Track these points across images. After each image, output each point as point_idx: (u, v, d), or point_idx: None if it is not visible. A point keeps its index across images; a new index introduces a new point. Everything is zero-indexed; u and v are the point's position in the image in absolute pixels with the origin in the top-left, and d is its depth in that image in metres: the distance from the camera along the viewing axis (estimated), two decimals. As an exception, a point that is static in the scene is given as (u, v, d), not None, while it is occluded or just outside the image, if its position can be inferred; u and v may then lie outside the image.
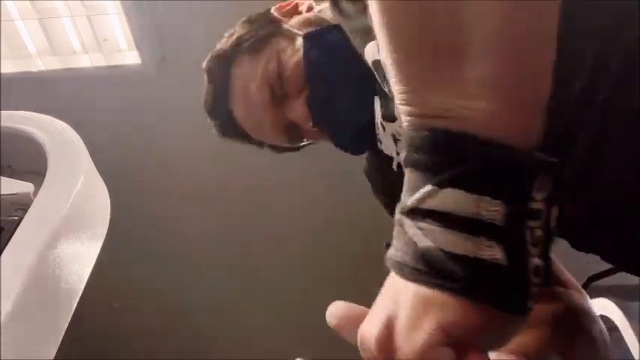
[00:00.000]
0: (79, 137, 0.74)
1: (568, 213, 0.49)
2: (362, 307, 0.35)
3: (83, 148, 0.73)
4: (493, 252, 0.28)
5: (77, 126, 0.76)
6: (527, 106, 0.29)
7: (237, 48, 0.72)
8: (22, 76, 1.64)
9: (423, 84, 0.30)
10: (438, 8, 0.28)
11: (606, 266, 0.67)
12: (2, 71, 1.60)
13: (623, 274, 0.60)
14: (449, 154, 0.29)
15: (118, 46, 1.64)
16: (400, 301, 0.30)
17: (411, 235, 0.30)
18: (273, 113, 0.70)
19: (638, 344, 1.17)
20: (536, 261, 0.28)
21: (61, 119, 0.77)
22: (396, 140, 0.63)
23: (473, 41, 0.28)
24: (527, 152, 0.29)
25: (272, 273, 2.13)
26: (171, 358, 2.41)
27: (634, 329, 1.19)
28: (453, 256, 0.28)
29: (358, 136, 0.69)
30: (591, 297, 1.30)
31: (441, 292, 0.28)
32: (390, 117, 0.60)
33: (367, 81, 0.59)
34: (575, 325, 0.55)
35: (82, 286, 0.65)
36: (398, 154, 0.64)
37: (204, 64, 0.76)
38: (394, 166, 0.67)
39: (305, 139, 0.75)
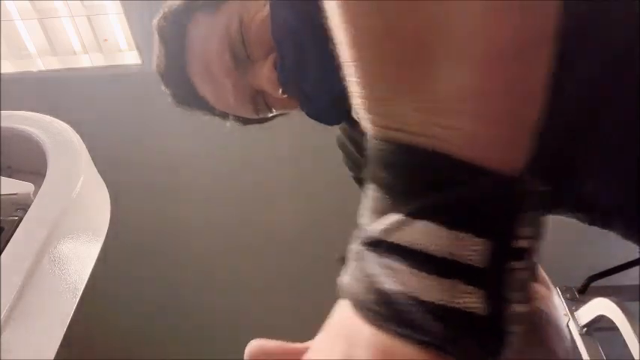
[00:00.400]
0: (79, 137, 0.74)
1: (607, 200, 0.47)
2: (280, 345, 0.31)
3: (83, 148, 0.73)
4: (470, 299, 0.23)
5: (77, 126, 0.76)
6: (514, 124, 0.24)
7: (193, 4, 0.62)
8: (22, 76, 1.64)
9: (389, 92, 0.25)
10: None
11: (606, 266, 0.66)
12: (2, 71, 1.60)
13: (623, 274, 0.59)
14: (424, 178, 0.24)
15: (118, 46, 1.65)
16: (356, 346, 0.25)
17: (374, 273, 0.25)
18: (236, 80, 0.61)
19: (638, 344, 1.17)
20: (517, 308, 0.24)
21: (61, 119, 0.77)
22: None
23: (450, 43, 0.23)
24: (517, 180, 0.24)
25: (273, 271, 2.13)
26: (171, 358, 2.41)
27: (634, 329, 1.19)
28: (423, 304, 0.23)
29: (333, 105, 0.60)
30: (591, 297, 1.30)
31: (407, 343, 0.24)
32: None
33: None
34: (531, 331, 0.52)
35: (82, 286, 0.65)
36: None
37: (154, 22, 0.66)
38: None
39: (274, 109, 0.66)
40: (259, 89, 0.62)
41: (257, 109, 0.65)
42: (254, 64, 0.60)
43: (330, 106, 0.60)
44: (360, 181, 0.73)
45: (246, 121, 0.71)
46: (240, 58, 0.60)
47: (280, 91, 0.59)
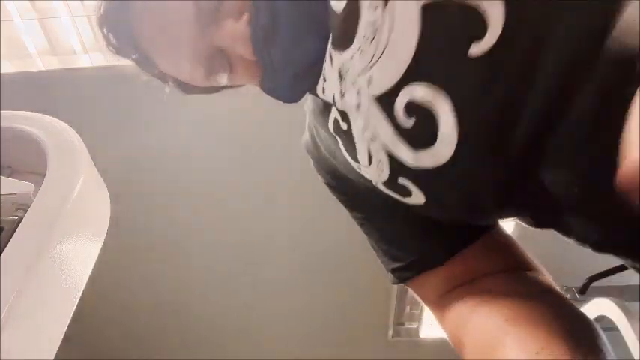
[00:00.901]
0: (79, 137, 0.74)
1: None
2: None
3: (83, 148, 0.73)
4: None
5: (77, 126, 0.76)
6: None
7: None
8: (22, 76, 1.64)
9: None
10: None
11: (606, 266, 0.66)
12: (2, 71, 1.61)
13: (623, 274, 0.58)
14: None
15: (118, 46, 1.65)
16: None
17: None
18: (197, 36, 0.52)
19: (638, 344, 1.17)
20: None
21: (61, 119, 0.77)
22: (341, 76, 0.51)
23: None
24: None
25: (272, 275, 2.13)
26: (170, 357, 2.41)
27: (634, 329, 1.19)
28: None
29: (302, 76, 0.55)
30: (591, 297, 1.30)
31: None
32: (341, 42, 0.48)
33: (321, 6, 0.48)
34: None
35: (83, 286, 0.65)
36: (342, 95, 0.52)
37: None
38: (330, 122, 0.56)
39: (233, 74, 0.58)
40: (225, 47, 0.54)
41: (209, 73, 0.56)
42: (222, 20, 0.52)
43: (293, 80, 0.55)
44: (332, 188, 0.68)
45: (187, 89, 0.63)
46: (206, 10, 0.52)
47: (252, 51, 0.52)
